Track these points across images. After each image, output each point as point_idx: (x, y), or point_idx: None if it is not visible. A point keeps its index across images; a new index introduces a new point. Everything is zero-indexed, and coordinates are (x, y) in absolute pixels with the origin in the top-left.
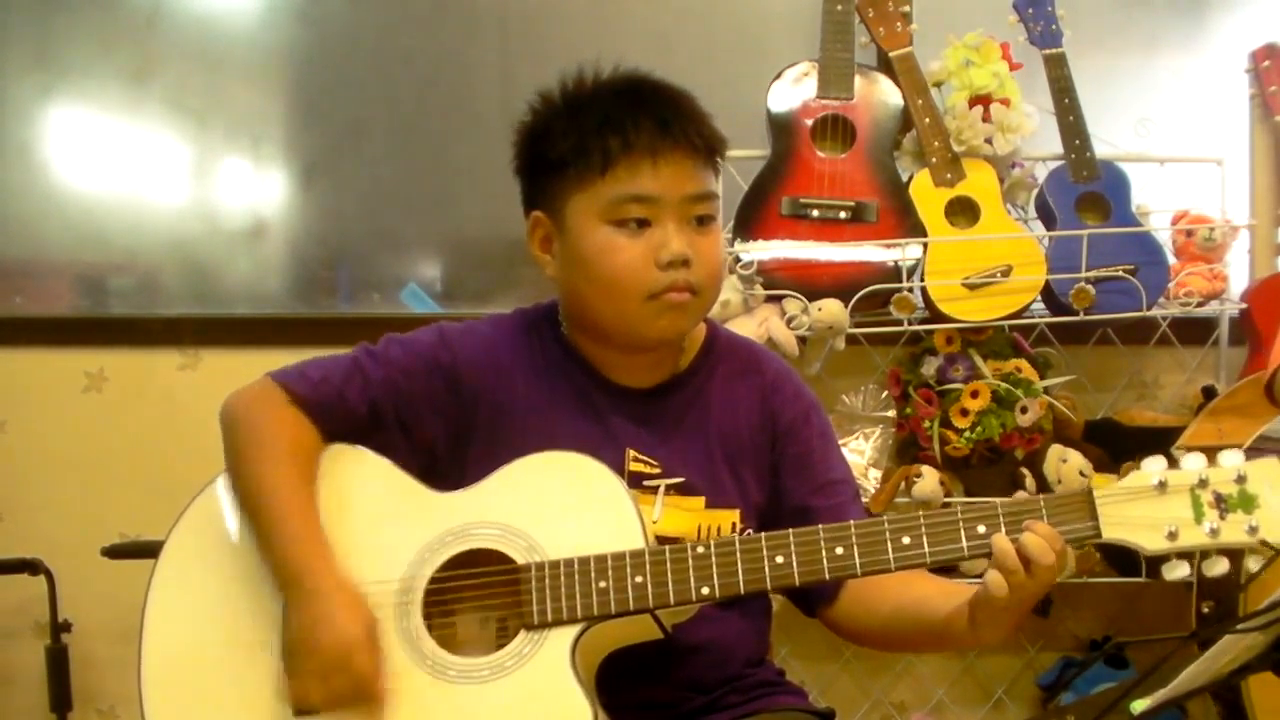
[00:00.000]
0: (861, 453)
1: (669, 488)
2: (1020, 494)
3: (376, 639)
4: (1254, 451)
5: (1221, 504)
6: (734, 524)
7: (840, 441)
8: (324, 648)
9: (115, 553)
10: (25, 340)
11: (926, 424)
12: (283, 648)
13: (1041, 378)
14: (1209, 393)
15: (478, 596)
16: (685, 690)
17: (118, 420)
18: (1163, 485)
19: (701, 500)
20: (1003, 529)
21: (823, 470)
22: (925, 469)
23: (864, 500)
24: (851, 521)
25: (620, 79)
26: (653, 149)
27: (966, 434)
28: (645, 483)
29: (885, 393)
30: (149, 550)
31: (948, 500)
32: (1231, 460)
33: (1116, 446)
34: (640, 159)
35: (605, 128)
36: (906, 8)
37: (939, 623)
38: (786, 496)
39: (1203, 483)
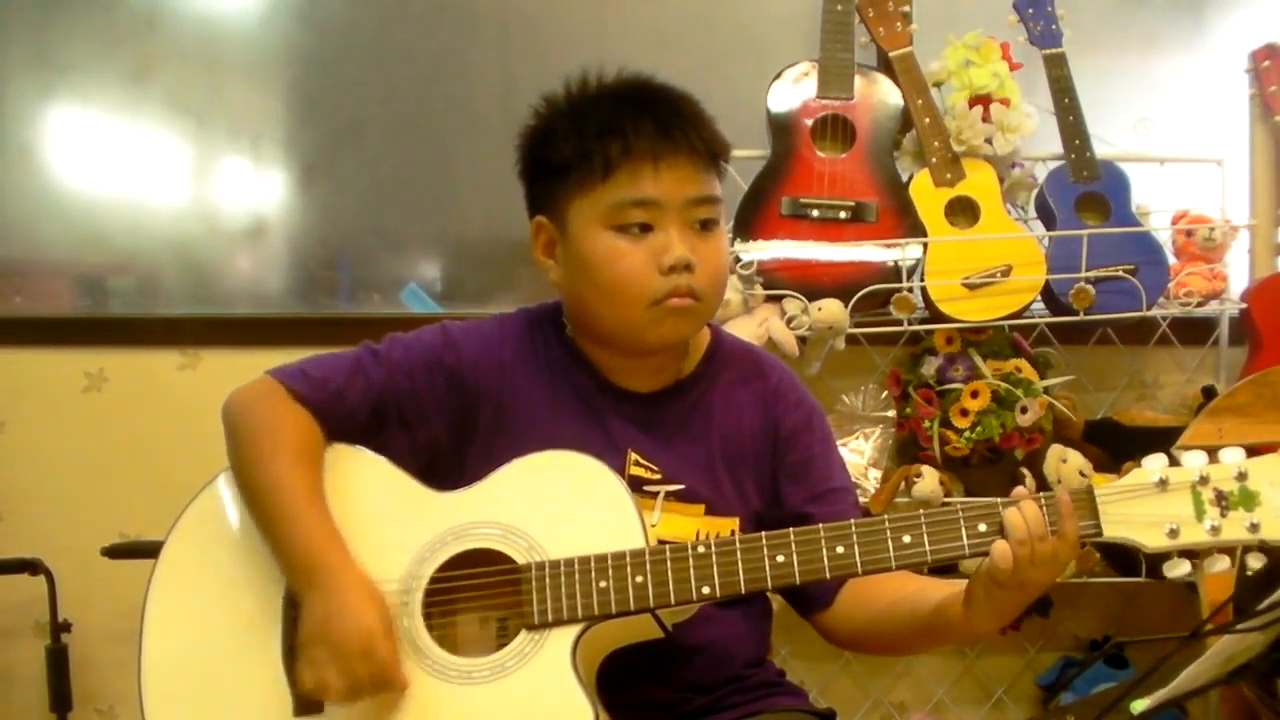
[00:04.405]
0: (861, 453)
1: (668, 494)
2: (1019, 489)
3: (393, 629)
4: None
5: (1223, 501)
6: (733, 531)
7: (840, 442)
8: (344, 637)
9: (115, 553)
10: (25, 340)
11: (926, 424)
12: (295, 640)
13: (1041, 378)
14: (1209, 393)
15: (478, 596)
16: (686, 690)
17: (118, 420)
18: (1163, 483)
19: (702, 507)
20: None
21: (823, 478)
22: (925, 469)
23: (864, 500)
24: (852, 520)
25: (623, 83)
26: (654, 153)
27: (966, 434)
28: (645, 488)
29: (885, 393)
30: (149, 550)
31: (947, 500)
32: (1232, 457)
33: (1116, 446)
34: (641, 163)
35: (606, 133)
36: (906, 8)
37: (931, 611)
38: (785, 503)
39: (1203, 480)
